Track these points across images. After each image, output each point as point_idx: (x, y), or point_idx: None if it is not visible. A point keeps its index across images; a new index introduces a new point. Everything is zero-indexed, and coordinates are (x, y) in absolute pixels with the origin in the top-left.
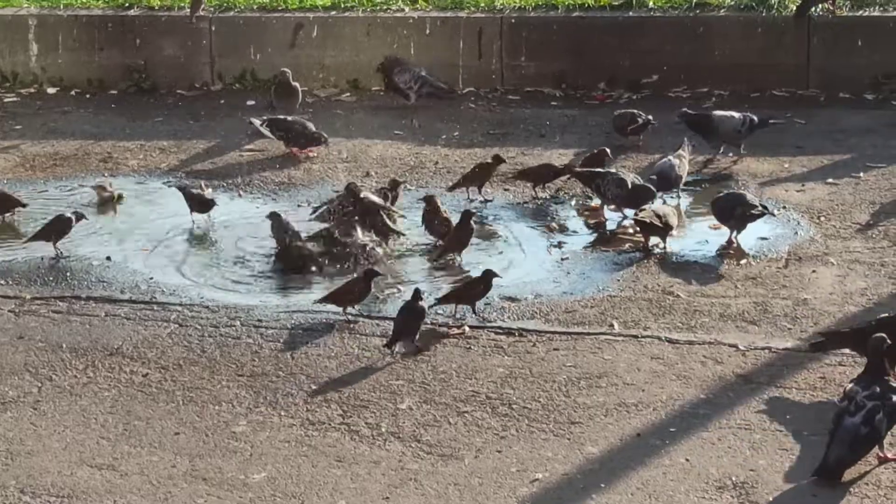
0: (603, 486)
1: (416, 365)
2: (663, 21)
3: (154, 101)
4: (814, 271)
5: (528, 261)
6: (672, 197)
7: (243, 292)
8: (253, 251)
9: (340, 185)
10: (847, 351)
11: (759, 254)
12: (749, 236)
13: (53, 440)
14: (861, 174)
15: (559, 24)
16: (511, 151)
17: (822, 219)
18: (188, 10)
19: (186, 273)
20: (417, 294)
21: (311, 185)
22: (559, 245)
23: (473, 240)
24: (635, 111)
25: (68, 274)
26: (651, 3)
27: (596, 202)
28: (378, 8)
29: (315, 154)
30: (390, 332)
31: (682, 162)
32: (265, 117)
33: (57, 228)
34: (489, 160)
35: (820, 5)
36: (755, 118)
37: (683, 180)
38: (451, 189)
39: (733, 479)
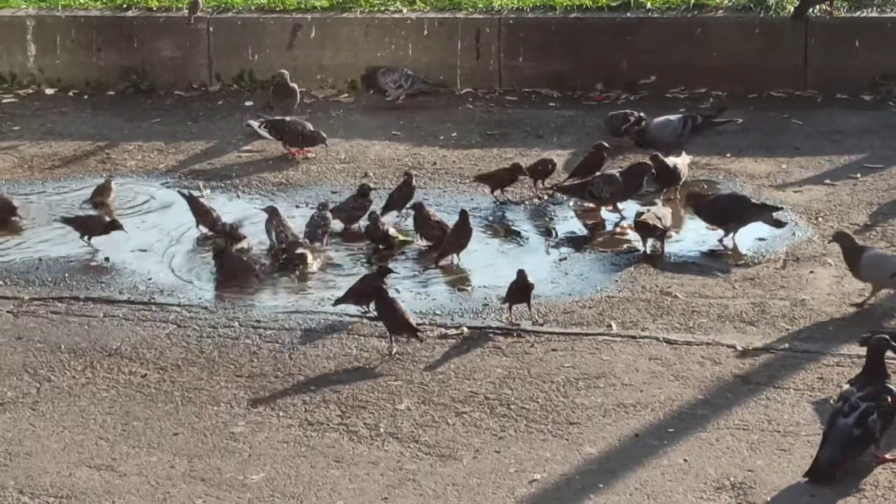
0: (601, 486)
1: (414, 365)
2: (661, 22)
3: (152, 102)
4: (812, 272)
5: (527, 261)
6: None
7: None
8: (253, 251)
9: (339, 186)
10: (844, 351)
11: (757, 254)
12: (747, 237)
13: (52, 441)
14: (858, 175)
15: (557, 25)
16: (509, 152)
17: (820, 219)
18: (186, 12)
19: (183, 273)
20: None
21: (310, 186)
22: (557, 245)
23: (474, 241)
24: (628, 111)
25: (66, 274)
26: (649, 4)
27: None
28: (376, 9)
29: (313, 154)
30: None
31: (684, 161)
32: (262, 118)
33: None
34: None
35: (818, 6)
36: (698, 118)
37: (684, 179)
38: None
39: (731, 479)
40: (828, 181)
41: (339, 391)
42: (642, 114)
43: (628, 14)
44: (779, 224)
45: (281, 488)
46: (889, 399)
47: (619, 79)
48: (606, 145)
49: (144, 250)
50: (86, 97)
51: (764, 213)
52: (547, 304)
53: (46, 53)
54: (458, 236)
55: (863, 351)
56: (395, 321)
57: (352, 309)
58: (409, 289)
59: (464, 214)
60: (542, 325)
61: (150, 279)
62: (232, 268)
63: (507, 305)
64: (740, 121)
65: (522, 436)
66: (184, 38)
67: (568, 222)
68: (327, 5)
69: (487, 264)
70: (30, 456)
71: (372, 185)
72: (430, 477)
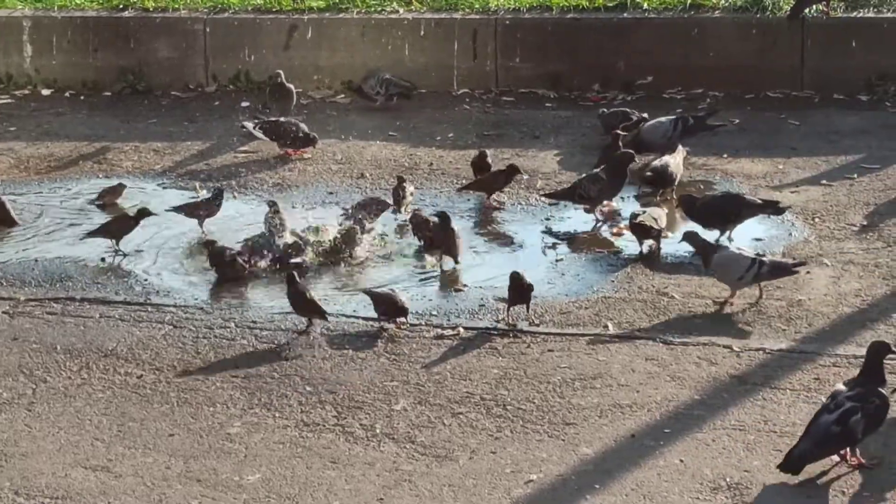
0: (597, 487)
1: (410, 366)
2: (658, 22)
3: (148, 103)
4: (808, 272)
5: (524, 262)
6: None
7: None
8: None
9: (335, 187)
10: (841, 352)
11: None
12: (744, 237)
13: (48, 441)
14: (855, 175)
15: (554, 26)
16: (506, 153)
17: (817, 220)
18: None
19: (180, 274)
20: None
21: (306, 186)
22: (554, 246)
23: (472, 242)
24: (627, 110)
25: (62, 275)
26: (645, 5)
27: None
28: (372, 9)
29: (309, 155)
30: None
31: (677, 160)
32: (258, 119)
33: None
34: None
35: (814, 7)
36: (689, 119)
37: (678, 179)
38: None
39: (727, 479)
40: (824, 181)
41: (335, 392)
42: (645, 114)
43: (625, 14)
44: (778, 211)
45: (277, 489)
46: (877, 401)
47: (616, 79)
48: (619, 133)
49: (140, 251)
50: (82, 98)
51: (759, 211)
52: (543, 305)
53: (43, 54)
54: (445, 238)
55: (860, 352)
56: (301, 306)
57: (347, 310)
58: (406, 289)
59: (443, 216)
60: (538, 325)
61: (146, 280)
62: (219, 262)
63: (505, 306)
64: (737, 121)
65: (519, 436)
66: (180, 39)
67: (564, 223)
68: (324, 6)
69: (482, 264)
70: (25, 457)
71: (367, 187)
72: (426, 478)
